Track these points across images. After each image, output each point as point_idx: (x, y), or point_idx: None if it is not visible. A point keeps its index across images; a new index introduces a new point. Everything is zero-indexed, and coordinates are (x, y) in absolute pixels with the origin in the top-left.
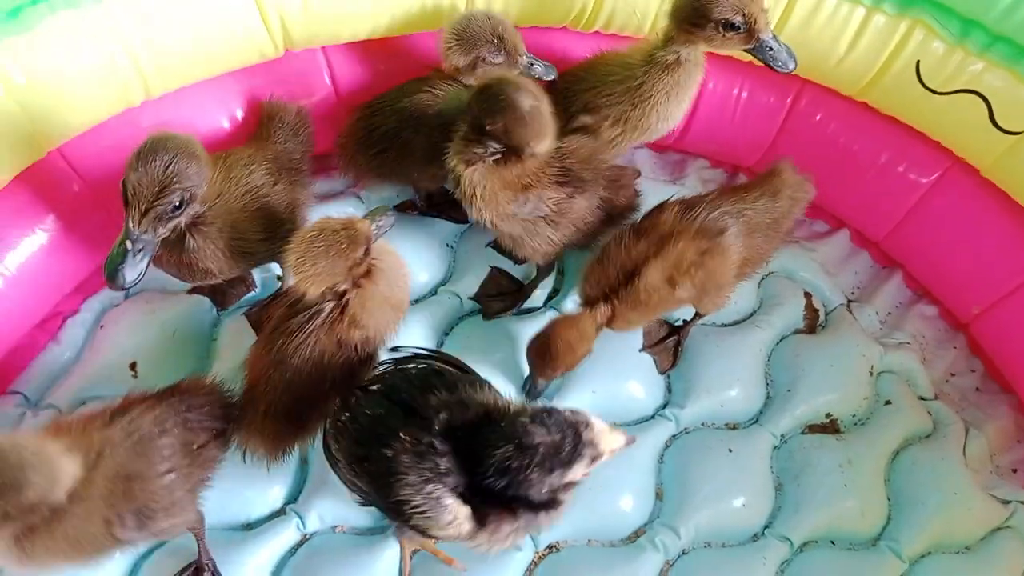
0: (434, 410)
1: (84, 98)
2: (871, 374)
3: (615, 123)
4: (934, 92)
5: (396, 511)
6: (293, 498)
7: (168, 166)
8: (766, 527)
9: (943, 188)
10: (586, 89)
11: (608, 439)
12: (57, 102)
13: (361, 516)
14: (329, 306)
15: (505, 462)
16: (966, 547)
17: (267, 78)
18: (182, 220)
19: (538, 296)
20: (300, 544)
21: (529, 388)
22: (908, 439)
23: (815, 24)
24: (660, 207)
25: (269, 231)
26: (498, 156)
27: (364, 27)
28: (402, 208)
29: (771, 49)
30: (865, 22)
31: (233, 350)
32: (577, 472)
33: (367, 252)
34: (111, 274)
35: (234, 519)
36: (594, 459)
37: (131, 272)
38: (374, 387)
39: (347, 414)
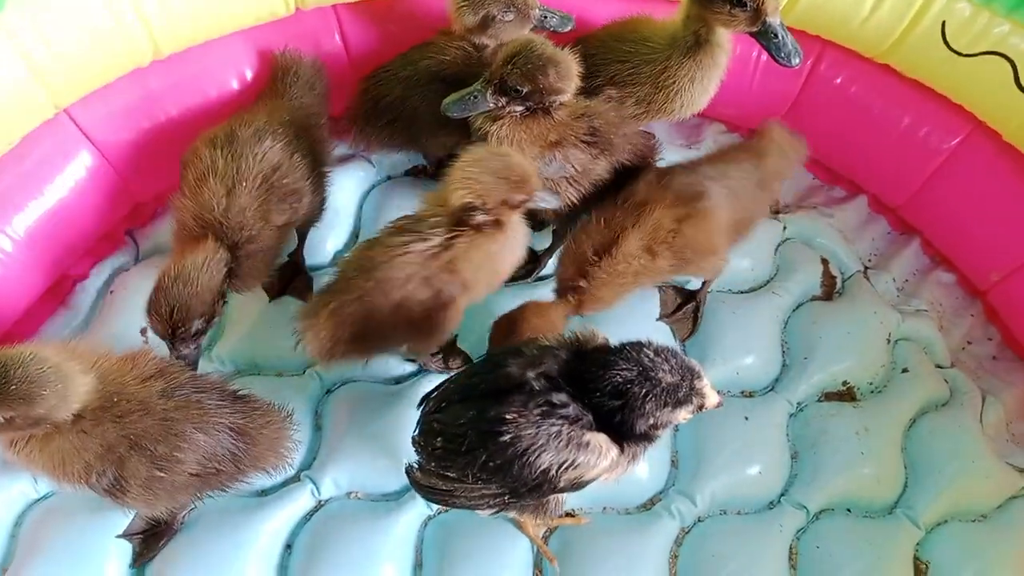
0: (522, 374)
1: (93, 57)
2: (888, 341)
3: (638, 103)
4: (959, 54)
5: (543, 486)
6: (307, 465)
7: (173, 312)
8: (782, 495)
9: (964, 153)
10: (614, 61)
11: (710, 394)
12: (66, 62)
13: (376, 482)
14: (437, 239)
15: (627, 384)
16: (982, 515)
17: (276, 38)
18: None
19: (552, 264)
20: (315, 510)
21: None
22: (925, 407)
23: None
24: (636, 178)
25: (295, 210)
26: (525, 111)
27: None
28: (413, 173)
29: (776, 36)
30: None
31: (244, 315)
32: (681, 415)
33: (519, 205)
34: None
35: (248, 486)
36: (698, 408)
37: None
38: (444, 408)
39: (439, 440)
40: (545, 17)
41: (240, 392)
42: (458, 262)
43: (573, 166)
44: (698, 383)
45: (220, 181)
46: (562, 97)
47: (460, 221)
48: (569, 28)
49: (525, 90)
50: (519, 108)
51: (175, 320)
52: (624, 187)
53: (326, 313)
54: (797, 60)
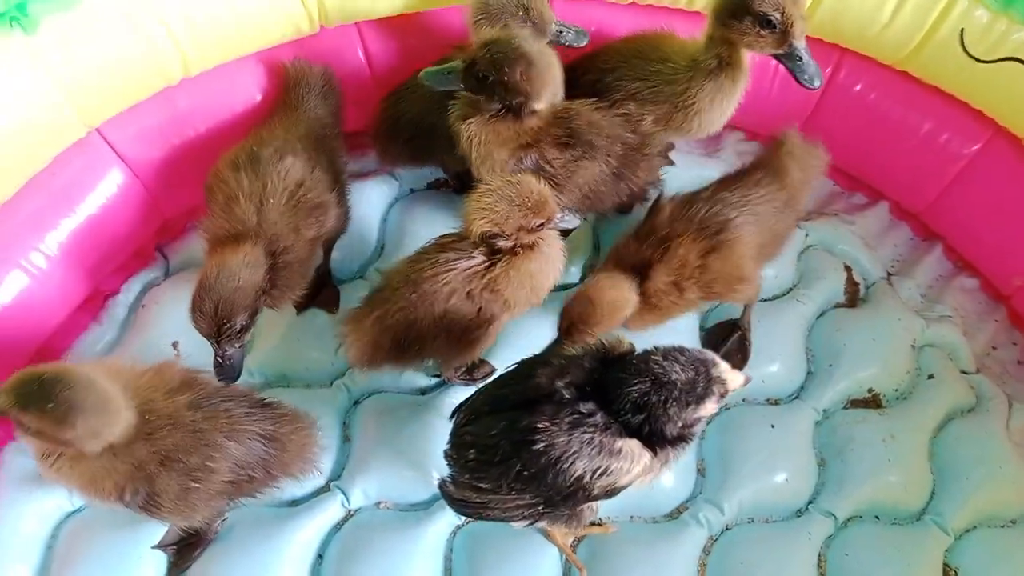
0: (551, 384)
1: (124, 77)
2: (913, 348)
3: (657, 121)
4: (978, 60)
5: (577, 493)
6: (336, 475)
7: (217, 308)
8: (810, 502)
9: (985, 158)
10: (636, 79)
11: (732, 377)
12: (97, 81)
13: (405, 492)
14: (480, 258)
15: (643, 397)
16: (1012, 520)
17: (301, 55)
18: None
19: (573, 273)
20: (345, 520)
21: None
22: (951, 413)
23: None
24: (657, 208)
25: (321, 223)
26: (495, 113)
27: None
28: (435, 186)
29: (800, 59)
30: None
31: (273, 328)
32: (709, 408)
33: (541, 227)
34: (225, 380)
35: (278, 496)
36: (722, 395)
37: (235, 371)
38: (475, 419)
39: (472, 452)
40: (561, 32)
41: (266, 400)
42: (499, 281)
43: (550, 165)
44: (714, 371)
45: (248, 200)
46: (533, 104)
47: (489, 248)
48: (584, 43)
49: (490, 78)
50: (492, 107)
51: (220, 316)
52: (645, 217)
53: (370, 320)
54: (819, 83)
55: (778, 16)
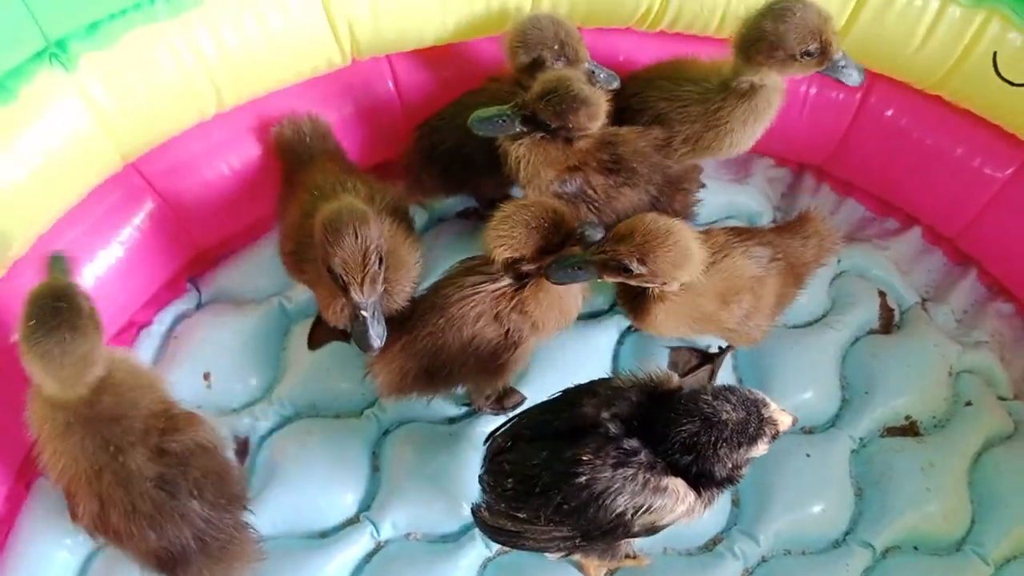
0: (597, 414)
1: (160, 112)
2: (950, 374)
3: (686, 141)
4: (1012, 84)
5: (617, 529)
6: (366, 506)
7: (357, 235)
8: (847, 533)
9: (1018, 182)
10: (661, 99)
11: (782, 418)
12: (133, 116)
13: (435, 523)
14: (507, 281)
15: (692, 438)
16: None
17: (333, 87)
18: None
19: (600, 301)
20: (375, 552)
21: (565, 265)
22: (990, 440)
23: (889, 17)
24: (707, 231)
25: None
26: (546, 136)
27: (431, 33)
28: (464, 215)
29: (844, 66)
30: (940, 14)
31: (302, 358)
32: (760, 448)
33: (563, 245)
34: (366, 345)
35: (309, 528)
36: (774, 437)
37: (377, 334)
38: (515, 446)
39: (510, 481)
40: (593, 72)
41: None
42: (528, 303)
43: (593, 190)
44: (766, 411)
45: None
46: (588, 132)
47: (513, 273)
48: (615, 86)
49: (553, 126)
50: (541, 133)
51: (363, 243)
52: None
53: (397, 348)
54: (862, 78)
55: (816, 47)
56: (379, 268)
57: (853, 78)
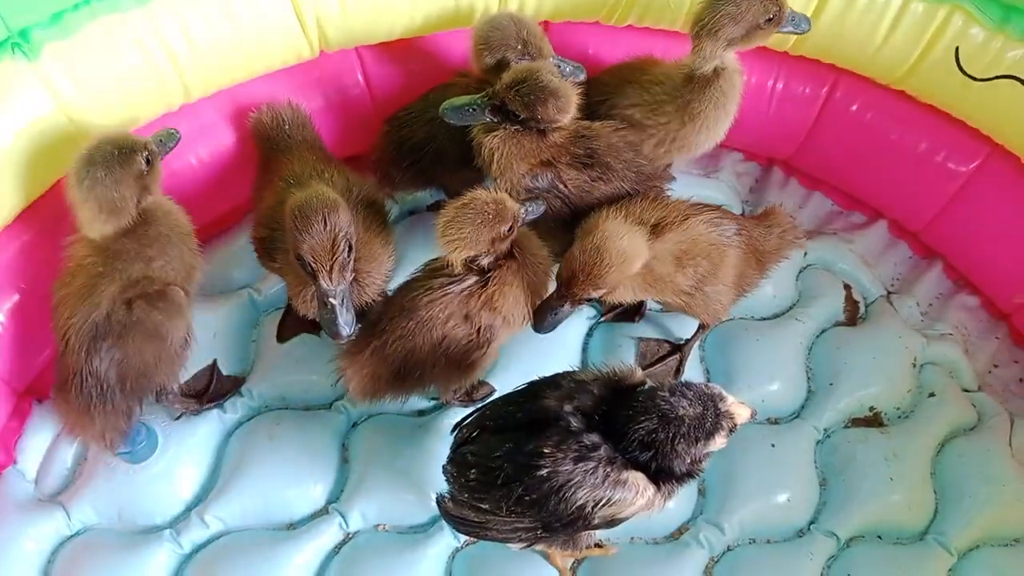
0: (559, 407)
1: (125, 102)
2: (914, 366)
3: (660, 143)
4: (974, 79)
5: (577, 521)
6: (335, 497)
7: (326, 223)
8: (811, 522)
9: (982, 176)
10: (630, 105)
11: (739, 411)
12: (98, 106)
13: (404, 515)
14: (472, 279)
15: (650, 435)
16: (1015, 539)
17: (302, 80)
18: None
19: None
20: (343, 543)
21: (544, 315)
22: (953, 431)
23: (852, 12)
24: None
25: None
26: (519, 128)
27: (399, 25)
28: (435, 208)
29: (793, 18)
30: (903, 9)
31: (272, 350)
32: (718, 442)
33: (511, 230)
34: (334, 332)
35: (277, 519)
36: (731, 430)
37: (346, 321)
38: (479, 437)
39: (473, 472)
40: (559, 67)
41: None
42: (495, 298)
43: (566, 185)
44: (722, 405)
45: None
46: (559, 123)
47: (475, 270)
48: (582, 78)
49: (523, 116)
50: (514, 125)
51: (332, 231)
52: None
53: (368, 353)
54: (807, 26)
55: (775, 9)
56: (348, 256)
57: (803, 26)
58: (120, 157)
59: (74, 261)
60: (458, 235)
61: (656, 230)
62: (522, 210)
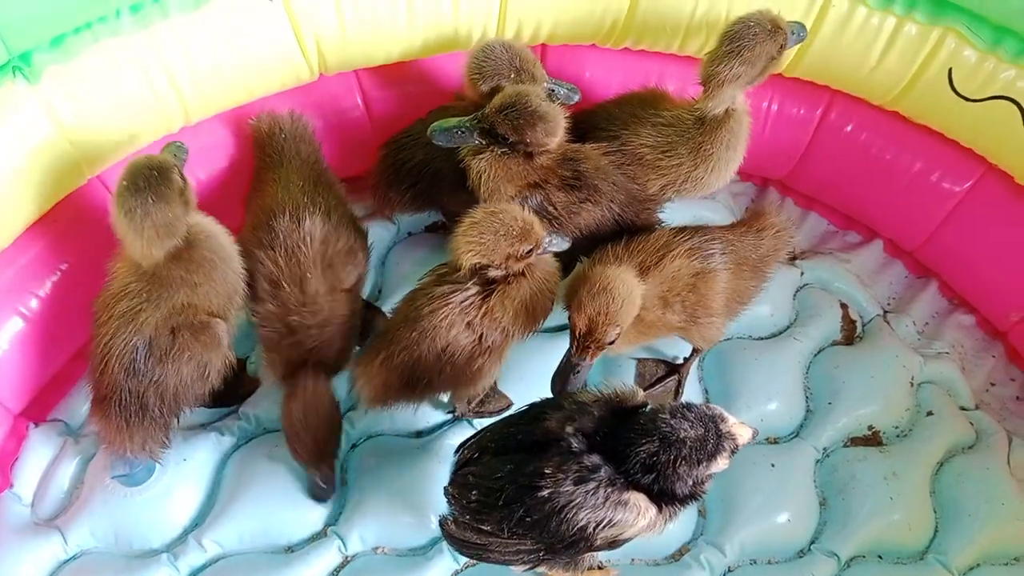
0: (561, 429)
1: (125, 125)
2: (912, 385)
3: (671, 184)
4: (967, 99)
5: (579, 543)
6: (333, 520)
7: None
8: (812, 542)
9: (976, 196)
10: (643, 145)
11: (741, 431)
12: (99, 129)
13: (403, 537)
14: (475, 289)
15: (652, 457)
16: (1015, 558)
17: (302, 103)
18: None
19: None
20: (342, 566)
21: (567, 379)
22: (951, 450)
23: (846, 34)
24: (649, 231)
25: (358, 266)
26: (507, 151)
27: (398, 49)
28: (433, 229)
29: (794, 31)
30: (896, 31)
31: (267, 374)
32: (720, 464)
33: (530, 253)
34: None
35: (275, 542)
36: (733, 451)
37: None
38: (480, 459)
39: (474, 493)
40: (553, 90)
41: None
42: (496, 310)
43: (554, 207)
44: (723, 426)
45: (291, 282)
46: (547, 147)
47: (480, 279)
48: (576, 100)
49: (511, 139)
50: (502, 148)
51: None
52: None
53: (378, 362)
54: (805, 32)
55: (783, 37)
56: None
57: (802, 34)
58: (161, 178)
59: (117, 285)
60: (477, 240)
61: (639, 274)
62: (547, 239)
